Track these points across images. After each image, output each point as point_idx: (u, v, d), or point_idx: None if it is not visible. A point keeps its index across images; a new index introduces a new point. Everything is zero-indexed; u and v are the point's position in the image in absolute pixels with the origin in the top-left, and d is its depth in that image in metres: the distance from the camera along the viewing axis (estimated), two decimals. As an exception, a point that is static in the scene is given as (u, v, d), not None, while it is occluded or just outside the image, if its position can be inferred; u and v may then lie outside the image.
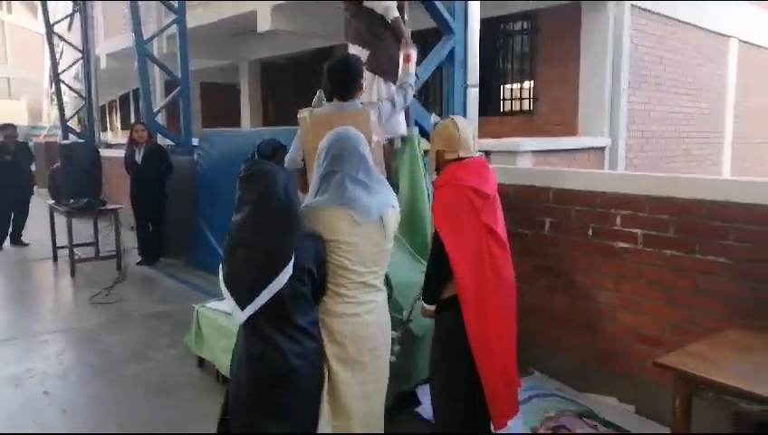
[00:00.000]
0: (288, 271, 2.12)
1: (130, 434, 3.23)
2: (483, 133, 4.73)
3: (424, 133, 4.13)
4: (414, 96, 3.84)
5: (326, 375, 2.33)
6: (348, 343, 2.34)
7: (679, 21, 8.23)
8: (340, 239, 2.28)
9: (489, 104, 8.71)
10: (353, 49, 3.85)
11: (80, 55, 12.42)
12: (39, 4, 13.11)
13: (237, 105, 14.41)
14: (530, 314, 3.82)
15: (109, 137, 20.24)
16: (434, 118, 3.21)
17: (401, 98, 3.45)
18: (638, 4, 7.45)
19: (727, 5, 8.99)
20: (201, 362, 4.23)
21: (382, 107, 3.30)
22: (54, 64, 12.38)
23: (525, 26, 8.53)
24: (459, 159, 2.81)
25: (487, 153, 5.07)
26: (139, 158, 7.28)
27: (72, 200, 7.00)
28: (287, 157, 3.42)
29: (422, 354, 3.38)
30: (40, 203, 9.08)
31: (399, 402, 3.40)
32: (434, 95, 8.80)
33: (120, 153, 8.13)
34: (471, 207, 2.71)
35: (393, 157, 3.98)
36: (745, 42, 10.00)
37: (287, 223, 2.16)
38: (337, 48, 8.74)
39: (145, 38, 8.93)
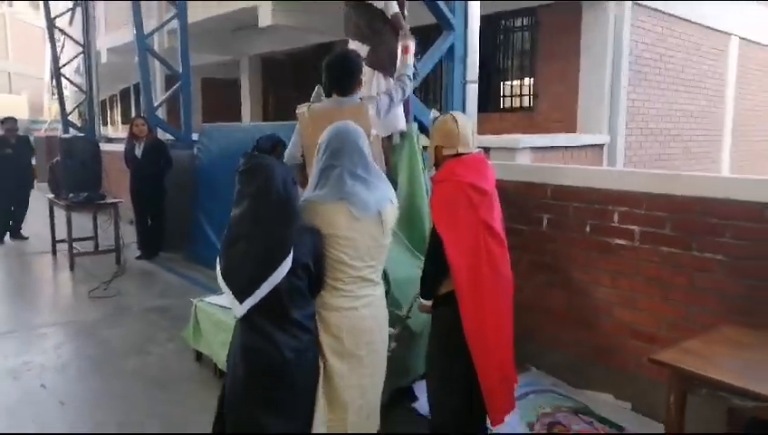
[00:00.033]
0: (287, 264, 2.13)
1: (130, 434, 3.23)
2: (482, 130, 4.75)
3: (423, 129, 4.14)
4: (413, 92, 3.85)
5: (322, 368, 2.34)
6: (344, 337, 2.35)
7: (679, 18, 8.22)
8: (339, 234, 2.29)
9: (489, 101, 8.71)
10: (353, 44, 3.86)
11: (81, 49, 12.41)
12: (40, -3, 13.10)
13: (238, 100, 14.40)
14: (527, 310, 3.83)
15: (109, 131, 20.23)
16: (433, 113, 3.22)
17: (399, 91, 3.45)
18: (639, 2, 7.44)
19: (728, 3, 8.97)
20: (199, 357, 4.24)
21: (380, 101, 3.30)
22: (55, 58, 12.36)
23: (525, 23, 8.52)
24: (458, 154, 2.82)
25: (486, 149, 5.08)
26: (138, 152, 7.29)
27: (71, 194, 7.01)
28: (286, 152, 3.44)
29: (419, 350, 3.39)
30: (39, 197, 9.08)
31: (396, 398, 3.42)
32: (433, 91, 8.80)
33: (120, 147, 8.14)
34: (469, 203, 2.72)
35: (392, 152, 3.99)
36: (746, 39, 9.99)
37: (286, 217, 2.18)
38: (337, 43, 8.73)
39: (146, 33, 8.93)
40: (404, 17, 3.77)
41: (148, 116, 8.22)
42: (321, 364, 2.35)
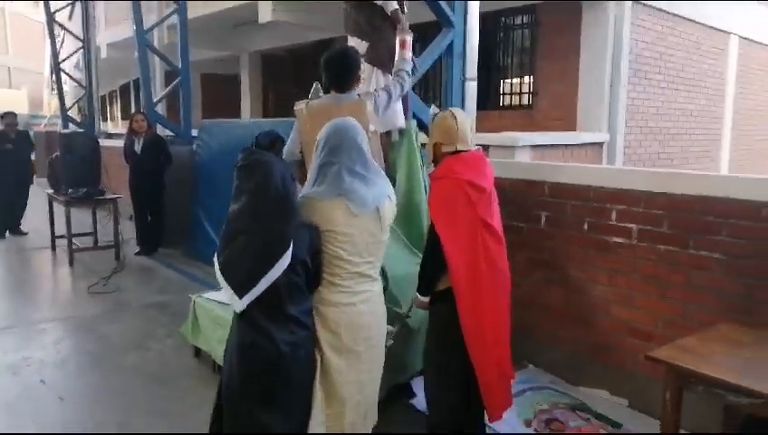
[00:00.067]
0: (286, 260, 2.14)
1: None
2: (482, 127, 4.75)
3: (422, 126, 4.15)
4: (412, 89, 3.85)
5: (319, 363, 2.35)
6: (342, 332, 2.36)
7: (680, 17, 8.22)
8: (337, 230, 2.30)
9: (488, 98, 8.72)
10: (352, 41, 3.86)
11: (80, 44, 12.39)
12: (40, -8, 13.07)
13: (237, 96, 14.40)
14: (525, 308, 3.85)
15: (109, 127, 20.23)
16: (433, 109, 3.22)
17: (398, 87, 3.45)
18: (639, 1, 7.44)
19: (728, 2, 8.97)
20: (198, 352, 4.25)
21: (378, 97, 3.30)
22: (55, 53, 12.34)
23: (525, 20, 8.52)
24: (456, 152, 2.82)
25: (486, 147, 5.08)
26: (138, 148, 7.29)
27: (70, 190, 7.01)
28: (285, 149, 3.44)
29: (417, 347, 3.41)
30: (39, 192, 9.08)
31: (394, 394, 3.43)
32: (433, 88, 8.80)
33: (120, 143, 8.14)
34: (467, 200, 2.73)
35: (391, 150, 3.99)
36: (746, 38, 9.99)
37: (284, 213, 2.19)
38: (337, 40, 8.73)
39: (146, 28, 8.92)
40: (403, 13, 3.78)
41: (147, 112, 8.22)
42: (319, 359, 2.35)
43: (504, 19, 8.74)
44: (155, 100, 9.10)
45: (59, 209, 7.36)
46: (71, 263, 6.97)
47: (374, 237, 2.39)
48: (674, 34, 8.23)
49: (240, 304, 2.18)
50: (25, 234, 8.73)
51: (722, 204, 3.08)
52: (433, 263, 2.78)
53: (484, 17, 4.61)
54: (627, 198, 3.47)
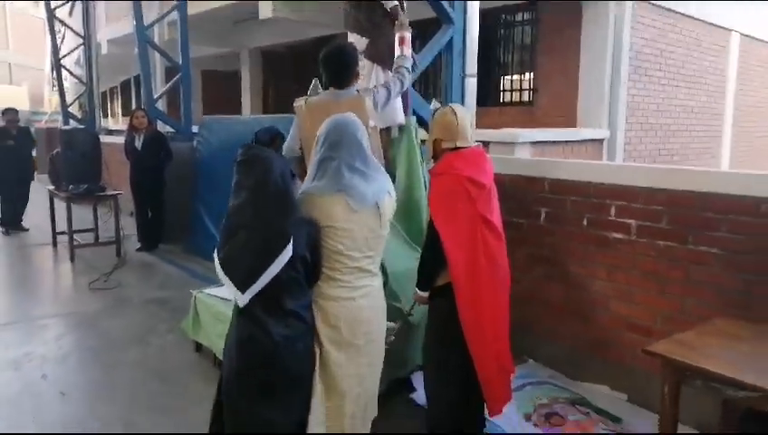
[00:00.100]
0: (287, 254, 2.15)
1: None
2: (482, 124, 4.75)
3: (421, 123, 4.15)
4: (412, 86, 3.85)
5: (318, 356, 2.36)
6: (342, 326, 2.37)
7: (680, 14, 8.21)
8: (336, 225, 2.31)
9: (489, 95, 8.71)
10: (352, 37, 3.87)
11: (81, 41, 12.38)
12: (40, -12, 13.06)
13: (238, 93, 14.39)
14: (525, 303, 3.86)
15: (110, 123, 20.21)
16: (434, 104, 3.22)
17: (398, 83, 3.45)
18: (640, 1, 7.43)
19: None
20: (198, 348, 4.27)
21: (377, 93, 3.30)
22: (55, 50, 12.33)
23: (526, 17, 8.51)
24: (456, 148, 2.83)
25: (486, 144, 5.09)
26: (138, 144, 7.30)
27: (71, 186, 7.02)
28: (285, 145, 3.44)
29: (417, 341, 3.42)
30: (40, 188, 9.10)
31: (394, 388, 3.45)
32: (433, 85, 8.80)
33: (121, 139, 8.15)
34: (467, 196, 2.74)
35: (390, 146, 4.00)
36: (747, 35, 9.98)
37: (284, 208, 2.20)
38: (337, 37, 8.73)
39: (146, 24, 8.92)
40: (403, 10, 3.79)
41: (148, 108, 8.22)
42: (318, 352, 2.37)
43: (504, 16, 8.73)
44: (155, 96, 9.09)
45: (60, 206, 7.37)
46: (72, 259, 6.99)
47: (374, 233, 2.40)
48: (674, 31, 8.23)
49: (243, 299, 2.19)
50: (26, 230, 8.74)
51: (721, 200, 3.09)
52: (432, 258, 2.79)
53: (484, 14, 4.61)
54: (626, 194, 3.48)
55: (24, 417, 3.46)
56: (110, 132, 12.70)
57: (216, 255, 2.27)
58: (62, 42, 12.63)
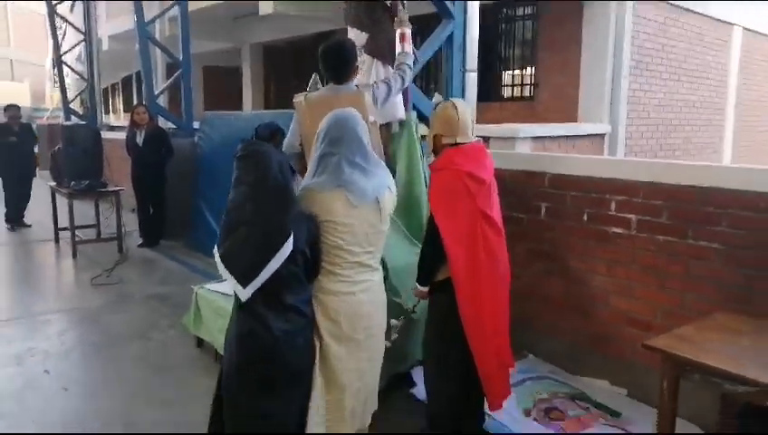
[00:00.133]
0: (287, 248, 2.16)
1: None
2: (483, 119, 4.76)
3: (422, 118, 4.15)
4: (413, 81, 3.84)
5: (318, 349, 2.38)
6: (342, 320, 2.38)
7: (682, 8, 8.18)
8: (336, 220, 2.32)
9: (490, 90, 8.70)
10: (352, 32, 3.87)
11: (82, 37, 12.39)
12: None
13: (239, 88, 14.39)
14: (525, 298, 3.87)
15: (111, 119, 20.24)
16: (437, 97, 3.21)
17: (398, 80, 3.43)
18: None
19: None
20: (200, 343, 4.28)
21: (377, 89, 3.29)
22: (57, 46, 12.34)
23: (527, 12, 8.49)
24: (456, 144, 2.83)
25: (486, 139, 5.09)
26: (140, 140, 7.31)
27: (73, 182, 7.04)
28: (285, 141, 3.44)
29: (418, 336, 3.41)
30: (41, 185, 9.12)
31: (394, 383, 3.46)
32: (434, 80, 8.78)
33: (122, 135, 8.16)
34: (467, 191, 2.74)
35: (391, 141, 4.00)
36: (750, 30, 9.94)
37: (283, 202, 2.21)
38: (337, 32, 8.72)
39: (147, 20, 8.91)
40: (403, 5, 3.78)
41: (149, 104, 8.22)
42: (318, 345, 2.38)
43: (506, 10, 8.71)
44: (156, 92, 9.10)
45: (62, 202, 7.38)
46: (74, 255, 7.01)
47: (374, 228, 2.41)
48: (676, 26, 8.20)
49: (245, 294, 2.20)
50: (29, 226, 8.76)
51: (722, 194, 3.08)
52: (432, 253, 2.80)
53: (485, 8, 4.60)
54: (626, 189, 3.47)
55: (27, 412, 3.48)
56: (112, 128, 12.73)
57: (216, 250, 2.27)
58: (63, 38, 12.64)
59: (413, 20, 3.73)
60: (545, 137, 5.99)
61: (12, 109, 8.63)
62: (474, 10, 4.48)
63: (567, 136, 6.44)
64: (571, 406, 3.39)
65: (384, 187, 2.43)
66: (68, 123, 10.90)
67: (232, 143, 2.32)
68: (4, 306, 5.40)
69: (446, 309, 2.75)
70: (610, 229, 3.56)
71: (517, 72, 8.78)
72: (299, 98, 3.28)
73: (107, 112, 20.93)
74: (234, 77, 14.85)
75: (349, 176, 2.32)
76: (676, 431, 2.44)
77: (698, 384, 2.31)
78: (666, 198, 3.30)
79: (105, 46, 14.58)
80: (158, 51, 10.12)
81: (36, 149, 9.53)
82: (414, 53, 3.66)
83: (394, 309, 3.26)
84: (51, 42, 12.67)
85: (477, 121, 3.20)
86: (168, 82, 9.56)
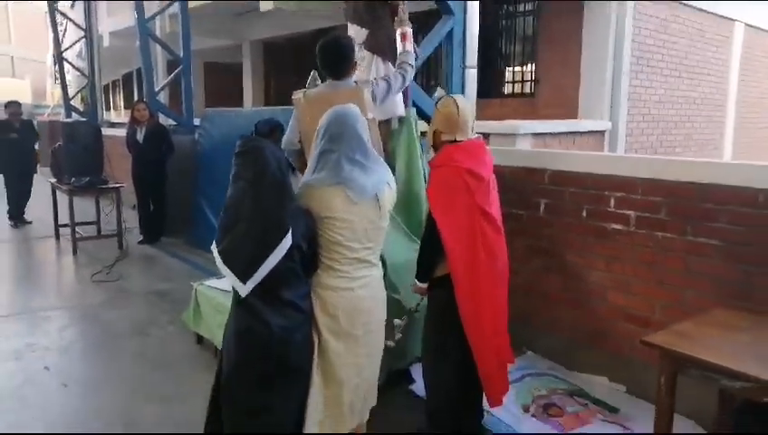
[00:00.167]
0: (287, 243, 2.17)
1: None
2: (484, 115, 4.76)
3: (421, 115, 4.14)
4: (414, 78, 3.83)
5: (316, 345, 2.38)
6: (340, 315, 2.39)
7: (683, 4, 8.17)
8: (336, 216, 2.32)
9: (491, 87, 8.69)
10: (352, 29, 3.86)
11: (82, 33, 12.38)
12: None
13: (240, 85, 14.39)
14: (524, 295, 3.87)
15: (112, 116, 20.24)
16: (440, 91, 3.20)
17: (400, 78, 3.42)
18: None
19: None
20: (200, 339, 4.29)
21: (377, 86, 3.28)
22: (57, 43, 12.33)
23: (527, 8, 8.48)
24: (455, 141, 2.83)
25: (486, 135, 5.09)
26: (140, 137, 7.31)
27: (74, 179, 7.04)
28: (284, 139, 3.44)
29: (417, 333, 3.42)
30: (42, 181, 9.12)
31: (393, 379, 3.46)
32: (435, 76, 8.78)
33: (123, 132, 8.16)
34: (466, 188, 2.74)
35: (390, 138, 4.00)
36: (751, 26, 9.91)
37: (281, 198, 2.22)
38: (337, 28, 8.72)
39: (147, 17, 8.90)
40: (403, 6, 3.75)
41: (149, 101, 8.22)
42: (317, 341, 2.38)
43: (507, 6, 8.70)
44: (157, 89, 9.10)
45: (62, 198, 7.38)
46: (74, 251, 7.02)
47: (373, 224, 2.41)
48: (677, 22, 8.19)
49: (245, 290, 2.20)
50: (29, 223, 8.77)
51: (721, 191, 3.08)
52: (431, 249, 2.80)
53: (486, 5, 4.59)
54: (625, 186, 3.47)
55: (26, 408, 3.48)
56: (112, 125, 12.71)
57: (214, 247, 2.28)
58: (63, 35, 12.63)
59: (412, 16, 3.72)
60: (546, 133, 5.99)
61: (13, 105, 8.63)
62: (474, 6, 4.47)
63: (567, 133, 6.44)
64: (570, 402, 3.40)
65: (383, 183, 2.44)
66: (69, 120, 10.90)
67: (232, 140, 2.32)
68: (5, 302, 5.41)
69: (445, 305, 2.76)
70: (609, 226, 3.56)
71: (518, 68, 8.77)
72: (298, 95, 3.28)
73: (107, 109, 20.95)
74: (234, 74, 14.85)
75: (348, 173, 2.32)
76: (673, 427, 2.44)
77: (696, 380, 2.31)
78: (665, 194, 3.30)
79: (106, 43, 14.58)
80: (158, 47, 10.12)
81: (37, 146, 9.55)
82: (415, 49, 3.65)
83: (393, 306, 3.26)
84: (51, 38, 12.66)
85: (478, 118, 3.20)
86: (169, 78, 9.56)
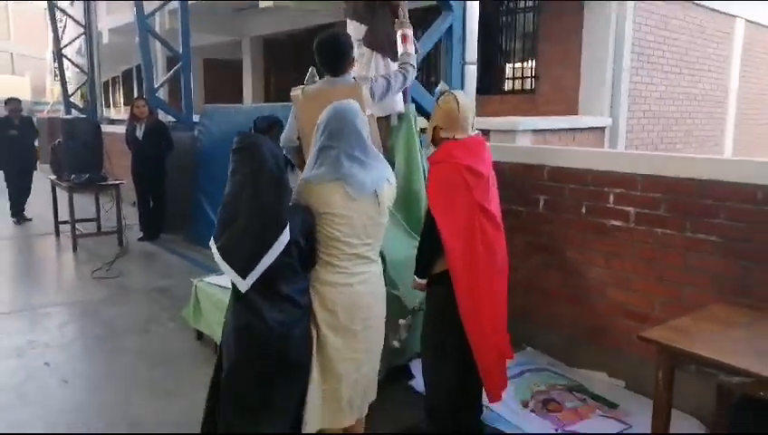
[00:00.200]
0: (285, 238, 2.17)
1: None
2: (484, 112, 4.76)
3: (421, 111, 4.14)
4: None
5: (315, 340, 2.39)
6: (339, 311, 2.39)
7: (683, 3, 8.15)
8: (335, 212, 2.32)
9: (492, 83, 8.68)
10: (351, 25, 3.86)
11: (82, 30, 12.37)
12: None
13: (240, 81, 14.37)
14: (524, 291, 3.87)
15: (111, 112, 20.23)
16: (442, 86, 3.19)
17: (400, 78, 3.41)
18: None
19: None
20: (200, 336, 4.30)
21: (376, 84, 3.27)
22: (57, 39, 12.33)
23: (528, 4, 8.46)
24: (454, 139, 2.83)
25: (486, 132, 5.08)
26: (139, 134, 7.31)
27: (73, 176, 7.04)
28: (282, 135, 3.44)
29: (417, 329, 3.43)
30: (42, 178, 9.12)
31: (393, 375, 3.47)
32: (435, 73, 8.77)
33: (122, 129, 8.16)
34: (465, 185, 2.73)
35: (389, 135, 3.99)
36: (752, 22, 9.89)
37: (279, 193, 2.22)
38: (337, 24, 8.71)
39: (147, 13, 8.89)
40: (403, 8, 3.74)
41: (148, 97, 8.22)
42: (315, 336, 2.39)
43: (507, 2, 8.68)
44: (156, 85, 9.09)
45: (62, 195, 7.39)
46: (74, 248, 7.02)
47: (372, 220, 2.41)
48: (678, 18, 8.17)
49: (245, 285, 2.21)
50: (29, 220, 8.77)
51: (720, 187, 3.08)
52: (430, 246, 2.80)
53: (486, 2, 4.58)
54: (625, 182, 3.47)
55: (27, 405, 3.49)
56: (112, 122, 12.72)
57: (213, 243, 2.28)
58: (63, 31, 12.64)
59: (412, 13, 3.71)
60: (546, 130, 5.98)
61: (12, 102, 8.63)
62: (473, 2, 4.46)
63: (567, 129, 6.43)
64: (569, 398, 3.40)
65: (383, 179, 2.44)
66: (68, 117, 10.92)
67: (232, 137, 2.32)
68: (5, 299, 5.42)
69: (444, 301, 2.76)
70: (609, 222, 3.57)
71: (518, 64, 8.76)
72: (296, 91, 3.28)
73: (107, 106, 20.94)
74: (234, 70, 14.83)
75: (348, 169, 2.32)
76: (672, 423, 2.44)
77: (694, 375, 2.31)
78: (664, 190, 3.30)
79: (105, 39, 14.57)
80: (158, 44, 10.11)
81: (37, 143, 9.54)
82: (415, 44, 3.64)
83: (393, 302, 3.27)
84: (51, 35, 12.65)
85: (478, 114, 3.20)
86: (168, 75, 9.56)
